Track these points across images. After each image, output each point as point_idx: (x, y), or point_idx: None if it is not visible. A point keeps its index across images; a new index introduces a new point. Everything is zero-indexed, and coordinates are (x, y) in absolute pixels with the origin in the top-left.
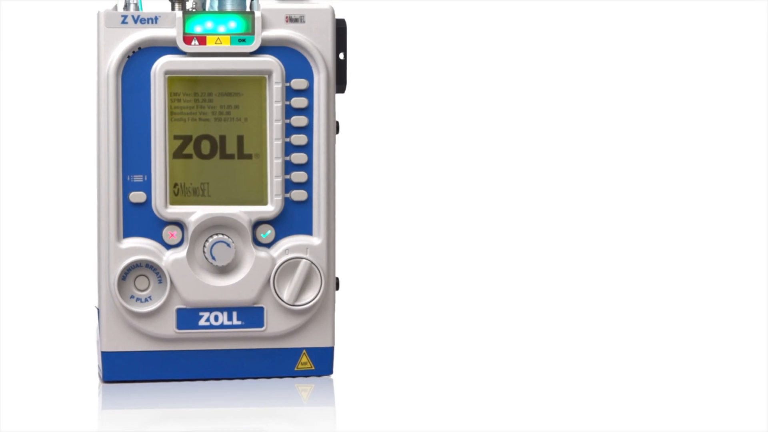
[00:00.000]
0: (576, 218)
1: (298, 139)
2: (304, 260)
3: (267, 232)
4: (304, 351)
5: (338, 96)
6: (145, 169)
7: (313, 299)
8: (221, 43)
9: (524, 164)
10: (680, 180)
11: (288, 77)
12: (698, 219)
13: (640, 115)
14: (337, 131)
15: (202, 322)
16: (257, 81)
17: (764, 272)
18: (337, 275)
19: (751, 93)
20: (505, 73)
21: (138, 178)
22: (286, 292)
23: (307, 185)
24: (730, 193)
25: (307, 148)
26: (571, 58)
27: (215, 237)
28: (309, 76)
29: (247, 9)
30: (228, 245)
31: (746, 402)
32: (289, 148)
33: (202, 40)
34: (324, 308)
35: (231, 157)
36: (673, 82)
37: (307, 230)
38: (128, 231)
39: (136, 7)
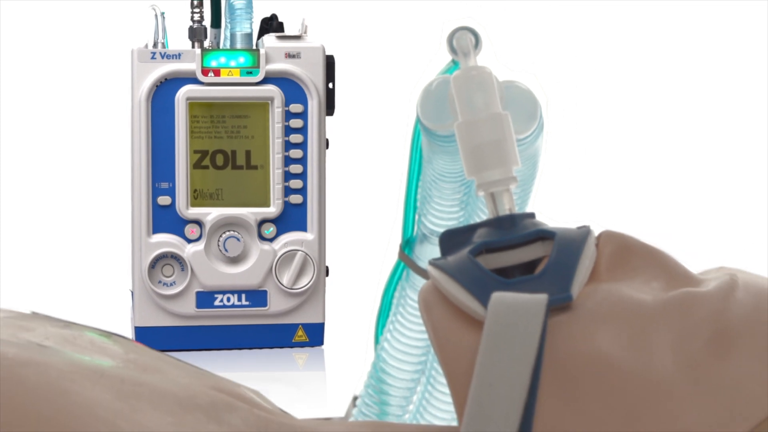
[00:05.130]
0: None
1: (295, 153)
2: (300, 252)
3: (270, 229)
4: (300, 326)
5: (328, 118)
6: (170, 177)
7: (308, 284)
8: (232, 74)
9: None
10: (675, 180)
11: (287, 102)
12: (698, 218)
13: (638, 114)
14: (327, 147)
15: (216, 303)
16: (262, 105)
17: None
18: (327, 264)
19: (751, 93)
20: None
21: (164, 185)
22: (285, 278)
23: (302, 191)
24: (730, 193)
25: (302, 161)
26: (560, 69)
27: (228, 233)
28: (304, 101)
29: (254, 47)
30: (238, 240)
31: None
32: (288, 161)
33: (217, 73)
34: (316, 291)
35: (240, 167)
36: (667, 81)
37: (303, 227)
38: (156, 228)
39: (163, 45)
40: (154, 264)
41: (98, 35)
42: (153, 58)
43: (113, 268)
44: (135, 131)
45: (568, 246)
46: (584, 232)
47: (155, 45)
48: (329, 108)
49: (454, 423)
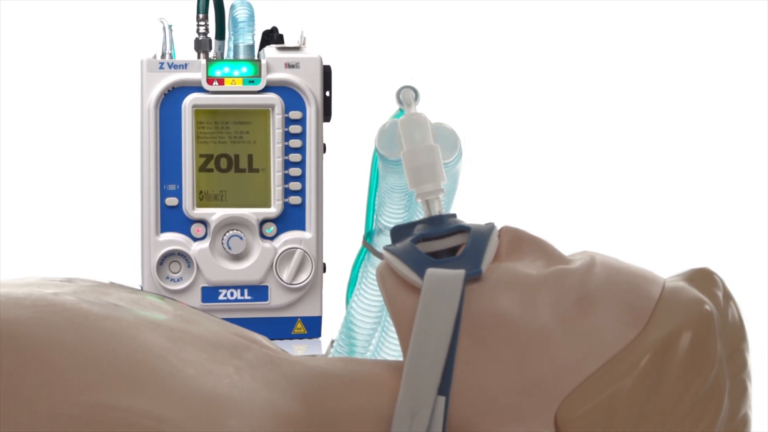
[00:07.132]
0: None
1: (295, 157)
2: (299, 250)
3: (270, 228)
4: (299, 319)
5: (325, 124)
6: (177, 180)
7: (306, 279)
8: (236, 83)
9: (477, 173)
10: (670, 181)
11: (287, 110)
12: (699, 219)
13: (637, 114)
14: (324, 151)
15: (221, 297)
16: (263, 112)
17: (765, 272)
18: (324, 261)
19: (751, 93)
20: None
21: (172, 187)
22: (285, 274)
23: (301, 192)
24: (731, 193)
25: (301, 164)
26: (554, 75)
27: (231, 232)
28: (303, 108)
29: (256, 58)
30: (241, 238)
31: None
32: (287, 164)
33: (221, 81)
34: (314, 286)
35: (243, 170)
36: (661, 82)
37: (302, 227)
38: (164, 227)
39: (170, 56)
40: (162, 261)
41: (110, 47)
42: (161, 68)
43: (124, 264)
44: (144, 137)
45: (479, 236)
46: (490, 226)
47: (163, 56)
48: (326, 115)
49: (401, 359)
